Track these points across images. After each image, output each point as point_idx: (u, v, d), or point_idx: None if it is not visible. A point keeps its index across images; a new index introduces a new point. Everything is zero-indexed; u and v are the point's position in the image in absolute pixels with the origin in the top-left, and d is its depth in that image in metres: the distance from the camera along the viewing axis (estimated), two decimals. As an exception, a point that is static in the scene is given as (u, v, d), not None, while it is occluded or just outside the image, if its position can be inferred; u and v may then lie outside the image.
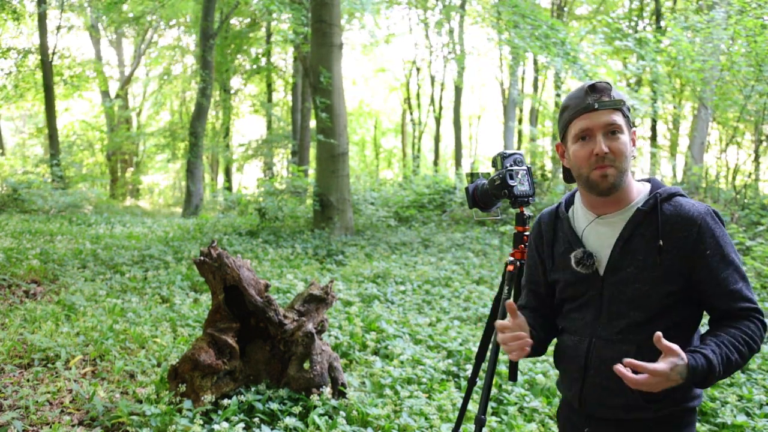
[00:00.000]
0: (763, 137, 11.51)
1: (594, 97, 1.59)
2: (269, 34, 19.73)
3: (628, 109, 1.62)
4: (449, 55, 21.05)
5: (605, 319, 1.61)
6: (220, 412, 3.06)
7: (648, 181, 1.70)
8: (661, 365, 1.38)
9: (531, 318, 1.75)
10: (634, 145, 1.63)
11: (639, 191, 1.65)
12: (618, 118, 1.58)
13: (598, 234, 1.65)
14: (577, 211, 1.74)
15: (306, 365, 3.35)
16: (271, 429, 3.01)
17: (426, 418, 3.24)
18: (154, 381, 3.46)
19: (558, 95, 17.85)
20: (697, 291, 1.56)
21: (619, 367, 1.40)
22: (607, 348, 1.60)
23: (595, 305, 1.63)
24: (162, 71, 24.18)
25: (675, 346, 1.39)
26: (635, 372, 1.40)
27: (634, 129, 1.64)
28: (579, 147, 1.61)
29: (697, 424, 3.25)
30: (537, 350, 1.77)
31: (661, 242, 1.53)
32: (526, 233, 2.33)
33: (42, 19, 15.67)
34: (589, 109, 1.58)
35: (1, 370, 3.68)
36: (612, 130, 1.57)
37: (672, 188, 1.62)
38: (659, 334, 1.39)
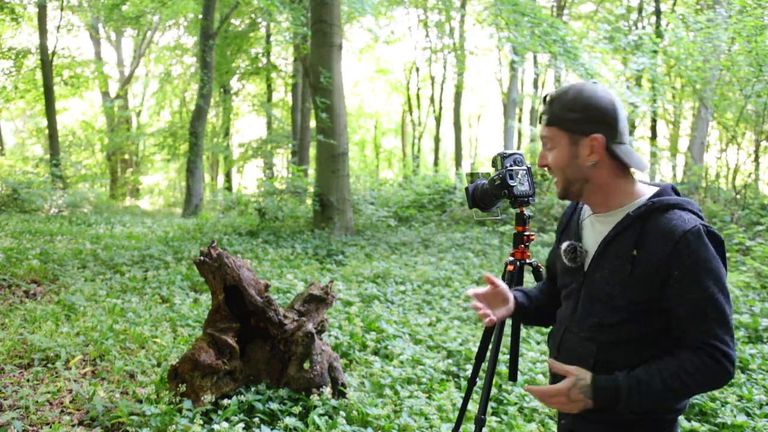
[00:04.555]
0: (763, 137, 11.51)
1: (542, 109, 1.65)
2: (269, 34, 19.73)
3: (573, 121, 1.57)
4: (449, 56, 21.05)
5: (579, 315, 1.64)
6: (220, 412, 3.06)
7: (658, 186, 1.65)
8: (557, 385, 1.47)
9: (539, 292, 1.91)
10: (590, 153, 1.57)
11: (638, 195, 1.59)
12: (548, 132, 1.61)
13: (593, 231, 1.67)
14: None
15: (306, 365, 3.35)
16: (271, 429, 3.01)
17: (426, 418, 3.24)
18: (154, 381, 3.46)
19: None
20: (665, 311, 1.49)
21: (528, 387, 1.53)
22: (573, 343, 1.63)
23: (574, 299, 1.67)
24: (162, 71, 24.18)
25: (570, 368, 1.46)
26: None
27: (590, 136, 1.57)
28: None
29: (697, 424, 3.26)
30: (537, 317, 1.88)
31: (635, 252, 1.50)
32: (526, 233, 2.33)
33: (42, 19, 15.67)
34: (540, 120, 1.66)
35: (1, 370, 3.68)
36: (545, 143, 1.63)
37: (674, 199, 1.52)
38: (551, 361, 1.49)
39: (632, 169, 1.59)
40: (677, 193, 1.61)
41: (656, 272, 1.46)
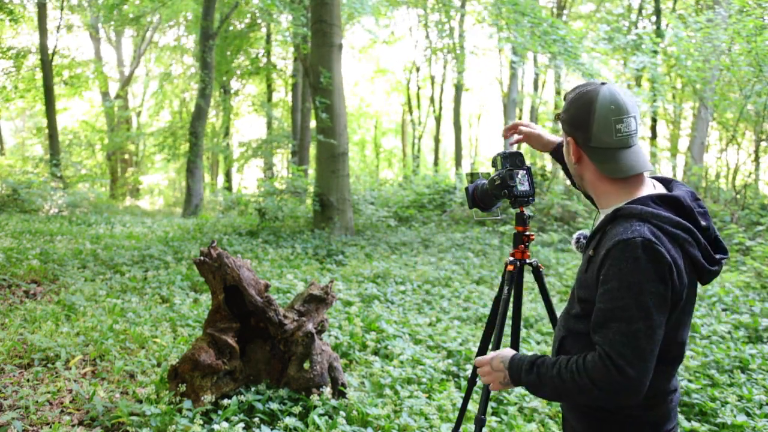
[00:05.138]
0: (763, 137, 11.52)
1: None
2: (269, 34, 19.73)
3: (562, 121, 1.64)
4: (449, 56, 21.05)
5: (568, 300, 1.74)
6: (220, 412, 3.06)
7: (662, 180, 1.66)
8: (485, 356, 1.70)
9: None
10: (572, 153, 1.63)
11: (629, 197, 1.57)
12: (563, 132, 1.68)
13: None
14: None
15: (306, 365, 3.35)
16: (271, 429, 3.01)
17: (426, 418, 3.24)
18: (154, 381, 3.46)
19: (558, 93, 17.79)
20: None
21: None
22: (558, 325, 1.74)
23: None
24: (162, 71, 24.17)
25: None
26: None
27: (568, 139, 1.64)
28: None
29: (698, 424, 3.26)
30: None
31: (591, 252, 1.56)
32: (527, 233, 2.33)
33: (42, 18, 15.66)
34: None
35: (1, 370, 3.68)
36: None
37: (638, 209, 1.49)
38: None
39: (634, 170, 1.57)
40: (674, 202, 1.53)
41: (596, 276, 1.50)
